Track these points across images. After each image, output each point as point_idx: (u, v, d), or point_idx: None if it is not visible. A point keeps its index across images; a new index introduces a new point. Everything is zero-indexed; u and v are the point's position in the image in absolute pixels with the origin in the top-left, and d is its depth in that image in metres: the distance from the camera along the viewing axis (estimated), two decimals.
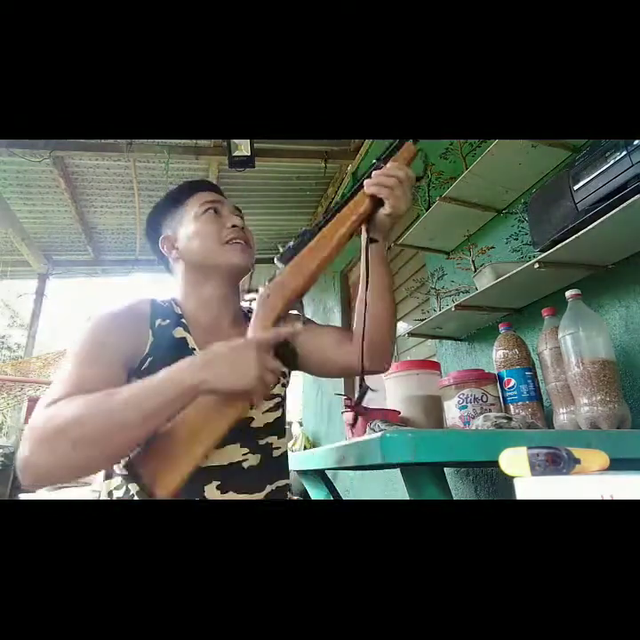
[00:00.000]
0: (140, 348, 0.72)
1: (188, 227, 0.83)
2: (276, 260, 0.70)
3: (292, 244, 0.71)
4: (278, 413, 0.81)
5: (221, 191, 0.91)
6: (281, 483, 0.77)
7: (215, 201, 0.85)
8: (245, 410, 0.62)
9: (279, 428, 0.80)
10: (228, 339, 0.63)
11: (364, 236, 0.74)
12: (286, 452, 0.81)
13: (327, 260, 0.71)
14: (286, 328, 0.67)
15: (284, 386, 0.85)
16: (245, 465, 0.73)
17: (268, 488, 0.74)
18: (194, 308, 0.81)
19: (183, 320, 0.79)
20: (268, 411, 0.79)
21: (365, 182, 0.70)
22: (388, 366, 0.85)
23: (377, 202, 0.70)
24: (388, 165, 0.69)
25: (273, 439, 0.78)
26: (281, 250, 0.70)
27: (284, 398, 0.84)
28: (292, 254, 0.71)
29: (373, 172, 0.70)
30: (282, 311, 0.69)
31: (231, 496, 0.70)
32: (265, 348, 0.61)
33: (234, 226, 0.82)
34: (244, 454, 0.73)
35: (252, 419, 0.76)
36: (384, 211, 0.70)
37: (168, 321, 0.77)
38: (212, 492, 0.69)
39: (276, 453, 0.78)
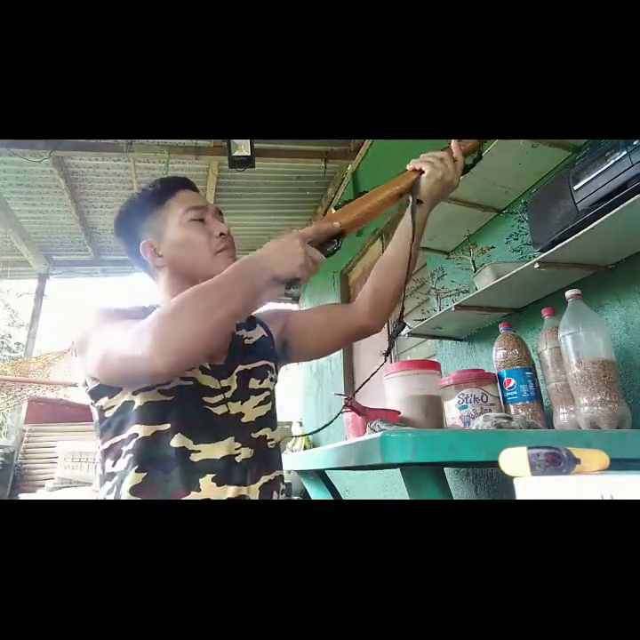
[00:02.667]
0: None
1: (173, 233, 0.80)
2: (332, 208, 0.82)
3: (348, 200, 0.81)
4: (268, 406, 0.82)
5: (197, 189, 0.89)
6: (276, 473, 0.79)
7: (199, 207, 0.82)
8: (281, 294, 0.71)
9: (271, 420, 0.82)
10: None
11: (411, 199, 0.84)
12: (279, 443, 0.83)
13: (372, 210, 0.80)
14: (326, 224, 0.75)
15: (273, 380, 0.86)
16: (238, 459, 0.74)
17: (264, 479, 0.75)
18: None
19: None
20: (258, 405, 0.80)
21: (411, 161, 0.84)
22: (383, 325, 0.93)
23: (419, 174, 0.83)
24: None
25: (266, 431, 0.79)
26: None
27: (273, 392, 0.85)
28: (344, 205, 0.80)
29: (422, 155, 0.84)
30: (324, 232, 0.75)
31: (226, 488, 0.71)
32: (307, 239, 0.71)
33: (222, 234, 0.81)
34: (237, 448, 0.74)
35: (243, 414, 0.77)
36: (424, 175, 0.82)
37: None
38: (207, 484, 0.69)
39: (270, 445, 0.80)
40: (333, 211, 0.80)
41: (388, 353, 0.76)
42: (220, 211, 0.86)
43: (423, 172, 0.81)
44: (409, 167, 0.83)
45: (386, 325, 0.85)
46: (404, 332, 1.72)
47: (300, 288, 4.48)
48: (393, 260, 0.87)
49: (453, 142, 0.83)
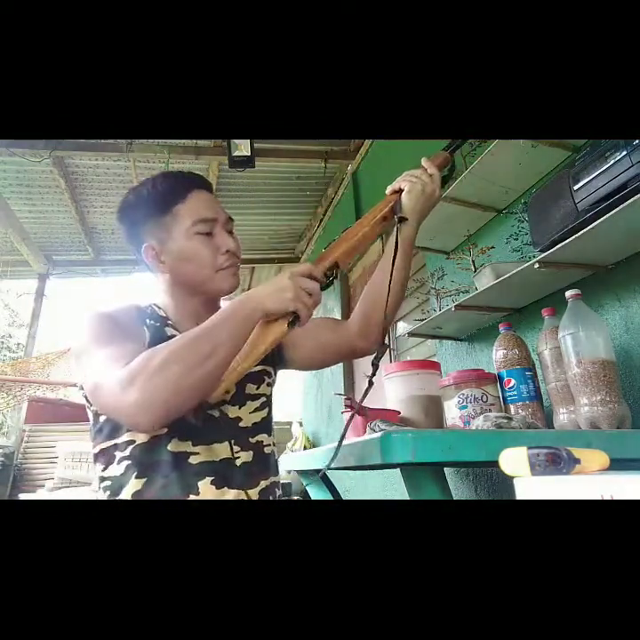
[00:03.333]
0: (141, 340, 0.73)
1: (177, 242, 0.76)
2: (322, 249, 0.79)
3: (335, 238, 0.80)
4: (264, 413, 0.82)
5: (211, 187, 0.85)
6: (273, 479, 0.79)
7: (208, 220, 0.77)
8: (284, 333, 0.68)
9: (267, 426, 0.82)
10: None
11: (396, 219, 0.84)
12: (274, 449, 0.83)
13: (361, 241, 0.80)
14: (320, 267, 0.73)
15: (270, 385, 0.86)
16: (238, 462, 0.74)
17: (263, 484, 0.75)
18: (179, 317, 0.81)
19: (170, 322, 0.80)
20: (254, 411, 0.80)
21: (388, 187, 0.85)
22: (377, 346, 0.90)
23: (399, 193, 0.84)
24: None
25: (263, 437, 0.80)
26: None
27: (269, 397, 0.85)
28: (333, 241, 0.80)
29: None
30: (320, 269, 0.74)
31: (225, 491, 0.71)
32: (298, 275, 0.68)
33: (228, 251, 0.78)
34: (236, 452, 0.74)
35: (241, 419, 0.77)
36: (404, 192, 0.82)
37: (156, 322, 0.79)
38: (206, 486, 0.69)
39: (266, 450, 0.80)
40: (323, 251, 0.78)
41: (372, 375, 0.72)
42: (230, 218, 0.82)
43: (402, 191, 0.82)
44: (388, 191, 0.84)
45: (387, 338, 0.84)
46: (404, 331, 1.72)
47: None
48: (382, 281, 0.83)
49: (423, 159, 0.85)
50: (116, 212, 0.82)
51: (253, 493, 0.73)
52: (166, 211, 0.77)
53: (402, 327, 2.30)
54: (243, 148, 2.49)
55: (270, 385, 0.86)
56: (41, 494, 3.16)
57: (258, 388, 0.82)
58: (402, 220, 0.81)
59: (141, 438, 0.70)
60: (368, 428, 0.99)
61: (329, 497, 1.42)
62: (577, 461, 0.40)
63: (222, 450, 0.73)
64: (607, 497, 0.35)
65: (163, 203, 0.77)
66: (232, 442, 0.74)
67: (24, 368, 3.71)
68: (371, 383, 0.72)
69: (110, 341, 0.68)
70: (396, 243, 0.80)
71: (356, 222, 0.81)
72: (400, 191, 0.83)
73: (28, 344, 4.16)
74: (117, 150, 2.82)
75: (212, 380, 0.63)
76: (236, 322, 0.64)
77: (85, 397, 0.74)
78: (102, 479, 0.73)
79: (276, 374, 0.90)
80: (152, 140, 2.84)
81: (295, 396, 4.19)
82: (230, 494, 0.71)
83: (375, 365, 0.74)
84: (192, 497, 0.68)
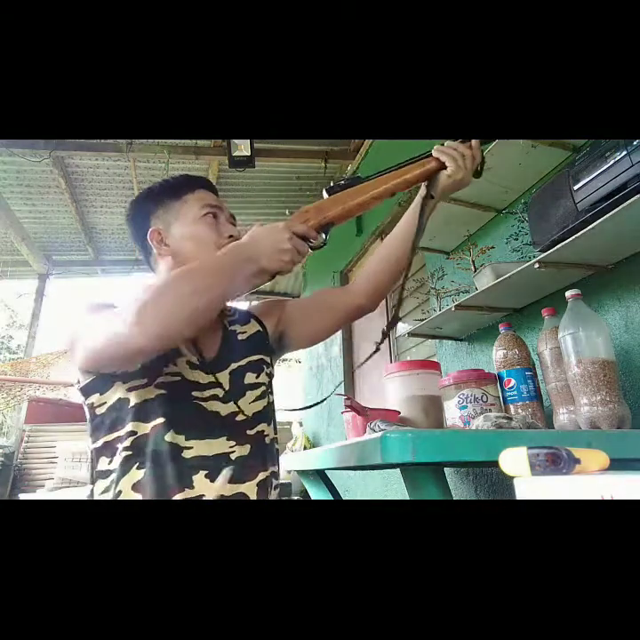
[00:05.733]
0: None
1: (184, 226, 0.82)
2: (324, 190, 0.79)
3: (342, 182, 0.79)
4: (265, 401, 0.82)
5: (218, 193, 0.91)
6: (273, 469, 0.78)
7: (216, 206, 0.84)
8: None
9: (268, 415, 0.81)
10: (208, 333, 0.79)
11: (422, 190, 0.84)
12: (276, 438, 0.83)
13: (364, 204, 0.78)
14: (314, 223, 0.75)
15: (268, 375, 0.86)
16: (233, 456, 0.73)
17: (261, 475, 0.75)
18: None
19: None
20: (255, 400, 0.80)
21: (435, 147, 0.80)
22: (376, 307, 0.94)
23: (440, 166, 0.80)
24: (459, 142, 0.80)
25: (263, 426, 0.79)
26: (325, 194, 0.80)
27: (269, 386, 0.85)
28: (338, 190, 0.78)
29: (447, 142, 0.80)
30: (312, 226, 0.76)
31: (221, 484, 0.70)
32: (297, 236, 0.72)
33: (231, 236, 0.83)
34: (231, 447, 0.74)
35: (237, 412, 0.77)
36: (446, 172, 0.79)
37: None
38: (201, 481, 0.69)
39: (267, 440, 0.79)
40: (324, 192, 0.78)
41: (381, 341, 0.78)
42: (233, 216, 0.87)
43: (444, 165, 0.78)
44: (435, 154, 0.79)
45: (385, 319, 0.86)
46: (404, 331, 1.72)
47: (301, 288, 4.48)
48: (397, 246, 0.88)
49: (475, 142, 0.80)
50: (127, 207, 0.88)
51: (251, 486, 0.73)
52: (176, 197, 0.84)
53: (402, 327, 2.30)
54: (243, 148, 2.50)
55: (269, 374, 0.86)
56: (41, 494, 3.16)
57: (257, 377, 0.82)
58: (432, 197, 0.81)
59: (142, 429, 0.70)
60: (368, 428, 1.00)
61: (329, 497, 1.42)
62: (577, 461, 0.40)
63: (216, 445, 0.73)
64: (607, 497, 0.35)
65: (174, 190, 0.85)
66: (226, 438, 0.74)
67: (24, 368, 3.71)
68: (377, 349, 0.78)
69: (106, 310, 0.70)
70: (421, 219, 0.81)
71: (374, 181, 0.77)
72: (440, 165, 0.79)
73: (27, 344, 4.16)
74: (117, 150, 2.82)
75: (202, 315, 0.65)
76: (231, 269, 0.67)
77: (81, 391, 0.74)
78: (107, 472, 0.71)
79: (273, 365, 0.90)
80: (152, 140, 2.84)
81: (295, 397, 4.19)
82: (226, 488, 0.70)
83: (385, 334, 0.79)
84: (186, 490, 0.68)
